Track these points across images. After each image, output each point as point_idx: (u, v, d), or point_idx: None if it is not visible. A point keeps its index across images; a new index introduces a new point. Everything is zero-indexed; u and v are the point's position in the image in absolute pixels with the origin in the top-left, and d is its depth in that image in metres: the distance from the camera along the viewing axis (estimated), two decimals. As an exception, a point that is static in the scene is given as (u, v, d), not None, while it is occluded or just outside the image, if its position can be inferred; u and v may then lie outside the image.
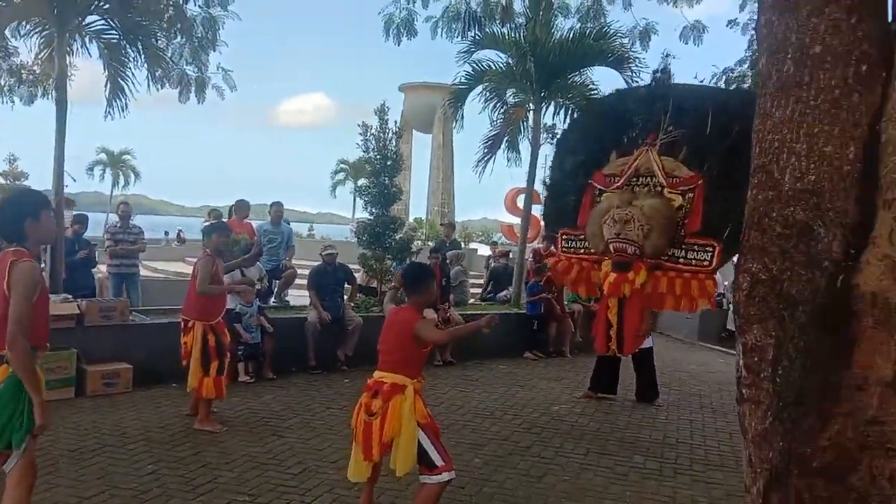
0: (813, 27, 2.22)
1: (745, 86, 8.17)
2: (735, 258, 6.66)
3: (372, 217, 10.00)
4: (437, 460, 3.66)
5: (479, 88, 11.81)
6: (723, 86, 8.82)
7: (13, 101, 9.78)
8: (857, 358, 2.07)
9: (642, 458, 5.66)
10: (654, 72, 6.89)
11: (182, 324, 5.91)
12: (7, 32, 8.73)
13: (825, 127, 2.18)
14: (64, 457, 4.87)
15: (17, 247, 3.06)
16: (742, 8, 8.76)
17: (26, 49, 9.02)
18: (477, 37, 10.30)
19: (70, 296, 7.18)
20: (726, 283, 10.40)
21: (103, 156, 53.09)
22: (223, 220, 9.20)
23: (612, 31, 10.60)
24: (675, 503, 4.75)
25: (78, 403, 6.25)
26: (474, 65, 11.55)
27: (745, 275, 2.35)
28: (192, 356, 5.71)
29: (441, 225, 18.17)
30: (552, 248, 11.14)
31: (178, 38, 8.81)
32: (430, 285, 4.04)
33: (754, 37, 7.95)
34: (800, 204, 2.21)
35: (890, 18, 2.27)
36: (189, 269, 6.83)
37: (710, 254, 5.95)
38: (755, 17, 7.91)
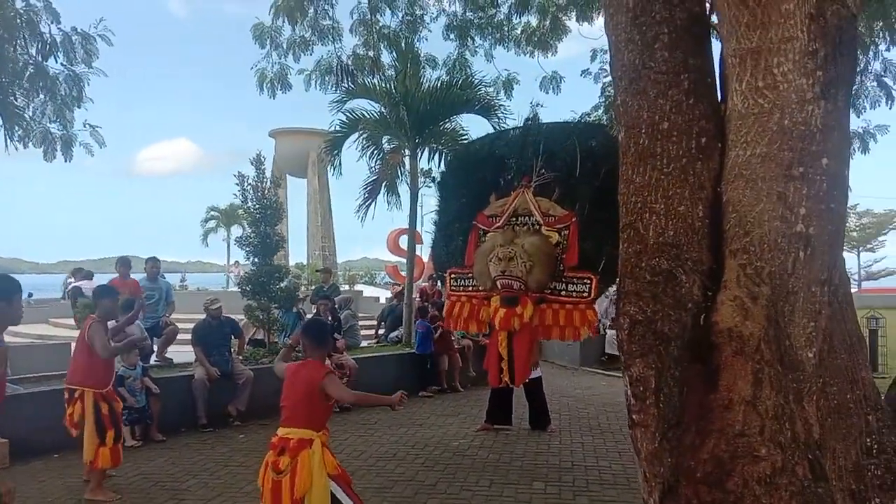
0: (660, 107, 2.67)
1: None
2: (611, 288, 7.24)
3: (254, 267, 9.93)
4: (353, 510, 3.77)
5: (355, 136, 12.13)
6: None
7: None
8: (723, 382, 2.48)
9: (542, 483, 5.98)
10: (526, 120, 7.42)
11: (66, 393, 5.62)
12: None
13: (677, 190, 2.63)
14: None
15: None
16: (592, 59, 9.63)
17: None
18: (350, 87, 10.58)
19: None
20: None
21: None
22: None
23: (477, 81, 11.23)
24: (577, 524, 5.10)
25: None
26: (348, 113, 11.91)
27: (624, 317, 2.72)
28: (85, 428, 5.46)
29: (317, 272, 18.10)
30: (438, 286, 11.53)
31: (40, 96, 8.41)
32: (331, 339, 4.23)
33: (607, 83, 8.74)
34: (663, 255, 2.63)
35: (719, 99, 2.76)
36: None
37: (588, 285, 6.45)
38: (605, 67, 8.77)
